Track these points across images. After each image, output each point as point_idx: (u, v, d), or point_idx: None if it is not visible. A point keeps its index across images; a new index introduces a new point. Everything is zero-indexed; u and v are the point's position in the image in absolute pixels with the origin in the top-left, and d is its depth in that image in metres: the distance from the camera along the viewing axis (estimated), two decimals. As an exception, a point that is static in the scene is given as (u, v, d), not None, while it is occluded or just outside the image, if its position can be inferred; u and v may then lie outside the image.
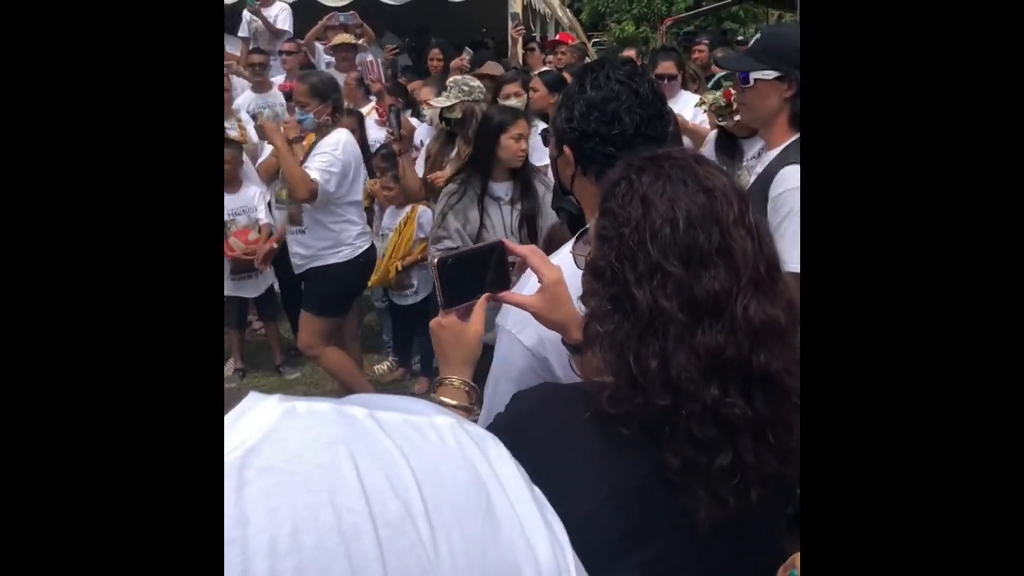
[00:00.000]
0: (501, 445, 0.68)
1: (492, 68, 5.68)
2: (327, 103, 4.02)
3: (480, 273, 1.32)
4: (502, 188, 3.35)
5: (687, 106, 4.88)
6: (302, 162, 3.96)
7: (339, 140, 4.00)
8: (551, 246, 1.86)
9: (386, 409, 0.65)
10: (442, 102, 3.94)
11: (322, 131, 4.03)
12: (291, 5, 7.73)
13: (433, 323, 1.33)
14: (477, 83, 4.17)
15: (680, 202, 1.14)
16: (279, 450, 0.57)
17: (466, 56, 7.00)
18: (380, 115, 5.52)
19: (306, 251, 4.14)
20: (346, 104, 5.55)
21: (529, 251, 1.37)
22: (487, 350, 1.59)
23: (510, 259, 1.36)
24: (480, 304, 1.31)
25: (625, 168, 1.23)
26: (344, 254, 4.12)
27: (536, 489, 0.67)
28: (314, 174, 3.88)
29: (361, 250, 4.19)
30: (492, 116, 3.38)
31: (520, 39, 8.01)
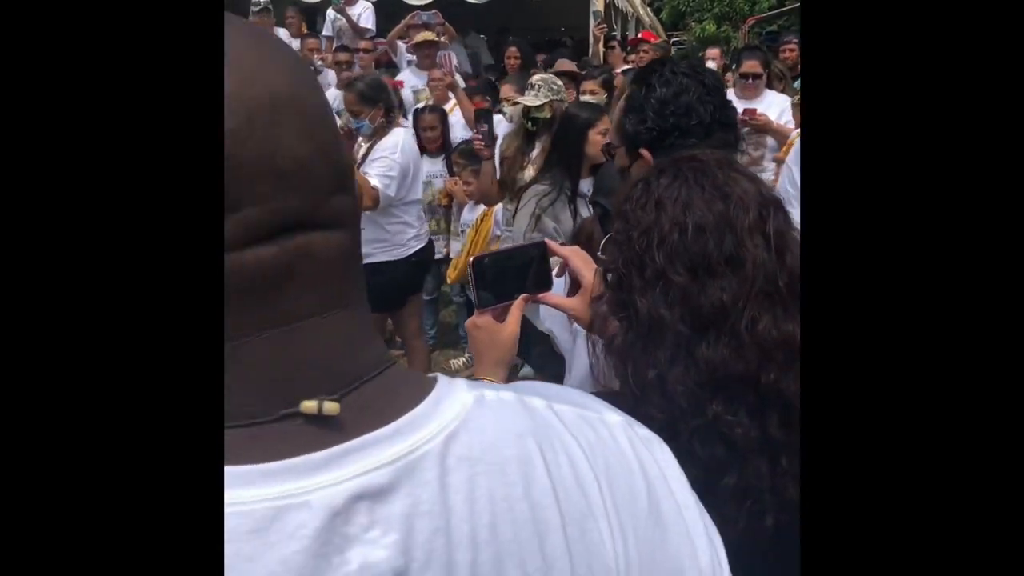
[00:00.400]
0: (667, 448, 0.66)
1: (566, 65, 5.65)
2: (378, 106, 3.97)
3: (519, 273, 1.29)
4: (586, 184, 3.33)
5: (772, 105, 4.80)
6: (359, 165, 3.95)
7: (396, 142, 3.97)
8: (579, 239, 1.84)
9: (561, 401, 0.64)
10: (532, 100, 3.89)
11: (379, 133, 4.00)
12: (374, 4, 7.84)
13: (468, 323, 1.32)
14: (560, 82, 4.15)
15: (693, 207, 1.09)
16: (475, 439, 0.56)
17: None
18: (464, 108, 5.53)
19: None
20: (430, 101, 5.61)
21: (571, 252, 1.35)
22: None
23: (552, 259, 1.34)
24: (517, 305, 1.29)
25: (649, 170, 1.19)
26: (396, 252, 4.13)
27: (695, 495, 0.65)
28: (374, 181, 3.86)
29: (413, 250, 4.20)
30: (577, 114, 3.35)
31: (602, 37, 7.99)
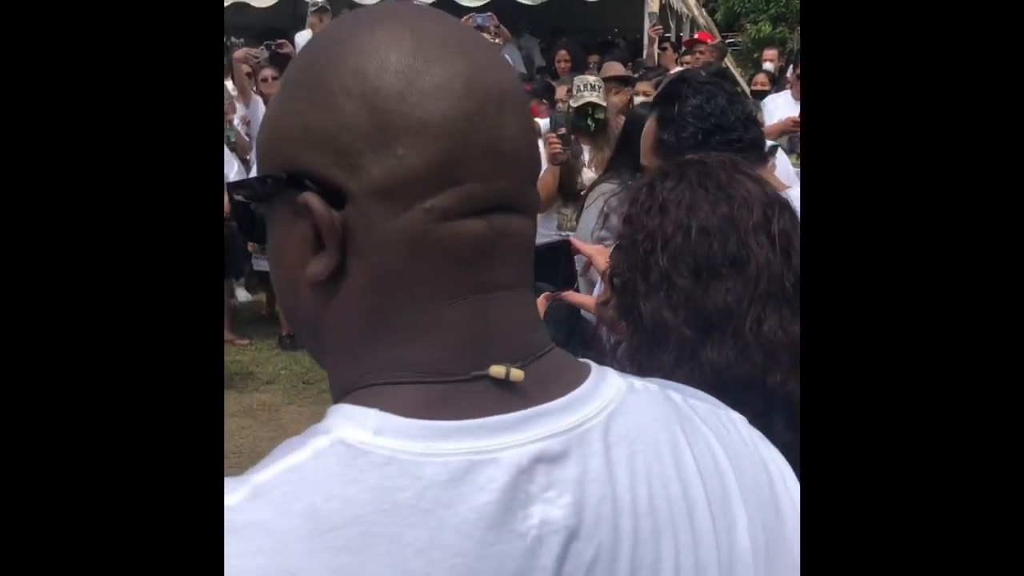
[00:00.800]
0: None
1: (615, 69, 5.61)
2: None
3: (543, 271, 1.29)
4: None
5: (831, 107, 4.72)
6: None
7: None
8: None
9: (693, 397, 0.69)
10: (600, 99, 3.84)
11: None
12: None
13: None
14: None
15: (698, 209, 1.09)
16: (632, 421, 0.61)
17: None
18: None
19: None
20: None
21: (595, 251, 1.36)
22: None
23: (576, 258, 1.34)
24: (539, 303, 1.29)
25: (653, 173, 1.19)
26: None
27: None
28: None
29: None
30: (643, 114, 3.31)
31: (657, 38, 7.96)
